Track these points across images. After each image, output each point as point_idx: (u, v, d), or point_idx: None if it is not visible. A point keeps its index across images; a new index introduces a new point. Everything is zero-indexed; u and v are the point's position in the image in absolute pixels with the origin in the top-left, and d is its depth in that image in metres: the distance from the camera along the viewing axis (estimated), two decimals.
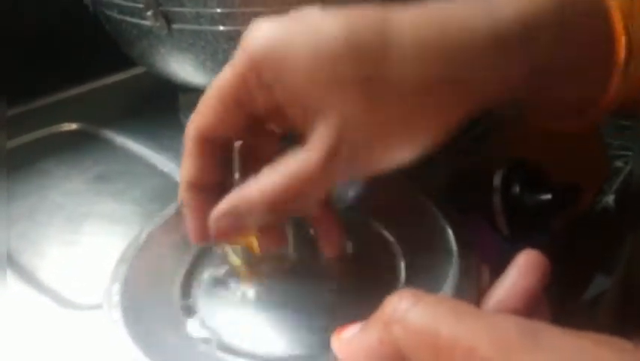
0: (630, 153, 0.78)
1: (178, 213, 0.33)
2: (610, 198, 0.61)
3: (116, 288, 0.28)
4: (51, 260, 0.36)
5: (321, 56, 0.25)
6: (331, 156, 0.25)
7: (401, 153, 0.27)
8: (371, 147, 0.26)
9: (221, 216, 0.27)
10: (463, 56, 0.26)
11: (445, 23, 0.26)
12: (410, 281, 0.29)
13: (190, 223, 0.29)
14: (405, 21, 0.26)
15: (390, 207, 0.33)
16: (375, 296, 0.23)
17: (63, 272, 0.35)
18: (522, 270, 0.25)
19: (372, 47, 0.25)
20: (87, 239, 0.37)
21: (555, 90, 0.30)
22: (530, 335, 0.19)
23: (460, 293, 0.27)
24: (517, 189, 0.40)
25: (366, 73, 0.25)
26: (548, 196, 0.39)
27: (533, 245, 0.26)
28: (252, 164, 0.28)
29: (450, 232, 0.30)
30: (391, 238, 0.32)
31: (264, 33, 0.26)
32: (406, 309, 0.21)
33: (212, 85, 0.28)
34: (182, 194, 0.29)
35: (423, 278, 0.29)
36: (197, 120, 0.28)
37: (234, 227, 0.28)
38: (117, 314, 0.26)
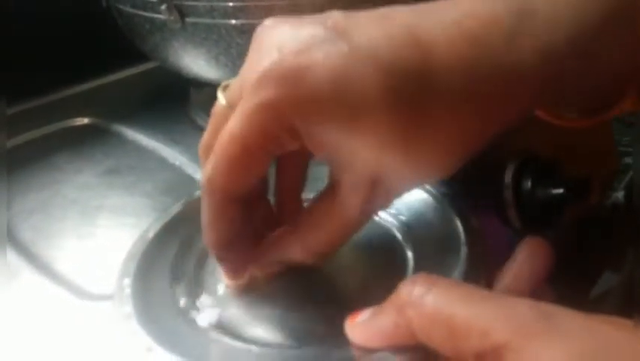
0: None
1: (184, 209, 0.33)
2: (620, 195, 0.61)
3: (127, 282, 0.28)
4: (66, 252, 0.36)
5: (357, 106, 0.23)
6: (368, 200, 0.25)
7: (435, 173, 0.26)
8: (405, 179, 0.26)
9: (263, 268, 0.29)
10: (503, 72, 0.24)
11: (482, 42, 0.24)
12: (418, 271, 0.29)
13: (227, 271, 0.29)
14: (441, 47, 0.23)
15: (401, 203, 0.33)
16: (384, 286, 0.23)
17: (78, 264, 0.35)
18: (526, 256, 0.25)
19: (413, 85, 0.23)
20: (100, 232, 0.38)
21: (574, 100, 0.30)
22: (545, 317, 0.20)
23: (468, 281, 0.27)
24: (528, 183, 0.40)
25: (407, 116, 0.23)
26: (560, 190, 0.39)
27: (544, 239, 0.26)
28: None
29: (457, 221, 0.30)
30: (399, 229, 0.32)
31: (281, 75, 0.23)
32: (420, 293, 0.21)
33: (228, 138, 0.24)
34: (216, 253, 0.28)
35: (431, 268, 0.29)
36: (223, 181, 0.25)
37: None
38: (129, 308, 0.27)
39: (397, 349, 0.23)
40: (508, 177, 0.40)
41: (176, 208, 0.33)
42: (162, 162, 0.44)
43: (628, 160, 0.78)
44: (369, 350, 0.23)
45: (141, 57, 0.51)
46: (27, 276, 0.34)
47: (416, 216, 0.32)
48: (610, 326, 0.20)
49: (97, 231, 0.38)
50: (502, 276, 0.25)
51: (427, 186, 0.33)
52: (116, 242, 0.35)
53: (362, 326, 0.23)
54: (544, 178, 0.40)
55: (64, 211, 0.39)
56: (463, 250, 0.28)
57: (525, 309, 0.20)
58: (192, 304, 0.28)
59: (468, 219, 0.30)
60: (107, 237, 0.37)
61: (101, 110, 0.52)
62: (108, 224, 0.38)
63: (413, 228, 0.32)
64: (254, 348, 0.25)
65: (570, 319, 0.20)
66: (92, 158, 0.46)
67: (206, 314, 0.27)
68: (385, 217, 0.33)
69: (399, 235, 0.32)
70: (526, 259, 0.25)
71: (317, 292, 0.28)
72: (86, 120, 0.51)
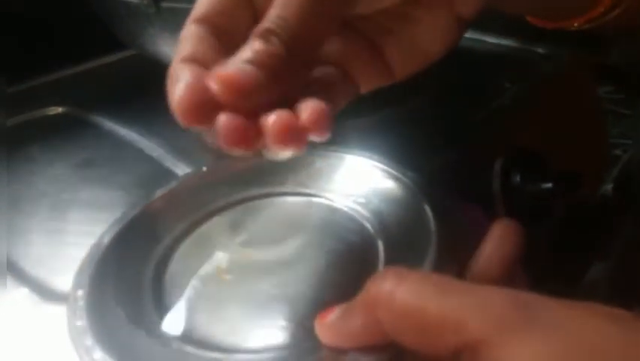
0: (630, 142, 0.78)
1: (141, 213, 0.32)
2: (609, 187, 0.61)
3: (80, 294, 0.27)
4: (34, 248, 0.34)
5: None
6: None
7: None
8: None
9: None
10: None
11: None
12: (389, 262, 0.28)
13: (181, 92, 0.22)
14: None
15: (368, 190, 0.32)
16: (355, 279, 0.22)
17: (46, 261, 0.33)
18: (498, 239, 0.24)
19: None
20: (71, 227, 0.36)
21: None
22: (523, 308, 0.19)
23: (439, 269, 0.26)
24: (517, 177, 0.39)
25: None
26: (549, 185, 0.39)
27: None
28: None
29: (427, 208, 0.29)
30: (368, 219, 0.31)
31: None
32: (389, 290, 0.20)
33: None
34: (173, 67, 0.23)
35: (402, 258, 0.28)
36: (203, 8, 0.24)
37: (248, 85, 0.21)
38: (83, 322, 0.25)
39: (370, 348, 0.22)
40: (496, 169, 0.39)
41: (132, 212, 0.32)
42: (139, 153, 0.43)
43: (617, 152, 0.78)
44: (340, 351, 0.22)
45: (119, 44, 0.50)
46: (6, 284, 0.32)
47: (386, 205, 0.31)
48: (593, 316, 0.18)
49: (68, 226, 0.36)
50: (474, 262, 0.24)
51: (397, 174, 0.32)
52: (88, 238, 0.34)
53: (332, 327, 0.22)
54: (532, 172, 0.39)
55: (34, 205, 0.38)
56: (434, 238, 0.27)
57: (501, 300, 0.19)
58: (152, 315, 0.26)
59: (438, 207, 0.29)
60: (78, 232, 0.36)
61: (76, 100, 0.50)
62: (80, 218, 0.37)
63: (383, 217, 0.31)
64: (219, 356, 0.24)
65: (549, 309, 0.19)
66: (66, 149, 0.44)
67: (169, 324, 0.26)
68: (354, 207, 0.32)
69: (368, 225, 0.31)
70: (497, 242, 0.24)
71: (284, 290, 0.27)
72: (60, 110, 0.50)
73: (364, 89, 0.28)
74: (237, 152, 0.22)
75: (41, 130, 0.47)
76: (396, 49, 0.28)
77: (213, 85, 0.21)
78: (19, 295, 0.31)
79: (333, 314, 0.22)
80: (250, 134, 0.21)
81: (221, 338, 0.25)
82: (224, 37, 0.24)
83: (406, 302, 0.20)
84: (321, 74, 0.27)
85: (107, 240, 0.30)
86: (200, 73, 0.22)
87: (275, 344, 0.25)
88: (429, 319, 0.19)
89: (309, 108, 0.22)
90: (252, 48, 0.21)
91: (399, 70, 0.29)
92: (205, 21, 0.24)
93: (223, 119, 0.21)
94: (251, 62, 0.21)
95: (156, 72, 0.48)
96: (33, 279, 0.32)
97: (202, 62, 0.23)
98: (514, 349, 0.18)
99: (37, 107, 0.50)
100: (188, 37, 0.24)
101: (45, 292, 0.31)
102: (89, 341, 0.24)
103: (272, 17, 0.22)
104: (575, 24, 0.32)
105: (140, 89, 0.52)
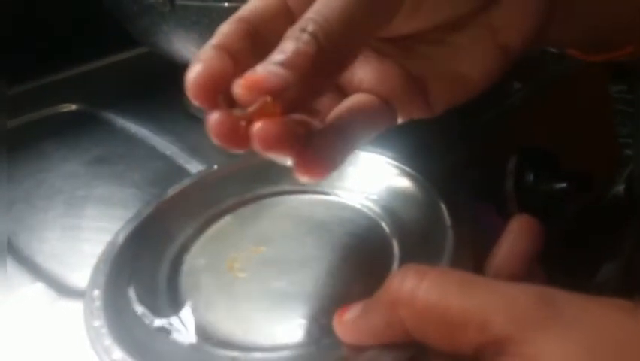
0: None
1: (155, 211, 0.32)
2: (620, 187, 0.60)
3: (97, 293, 0.26)
4: (49, 245, 0.35)
5: None
6: None
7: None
8: None
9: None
10: None
11: None
12: (405, 258, 0.28)
13: (199, 67, 0.21)
14: None
15: (382, 188, 0.32)
16: (370, 277, 0.22)
17: (61, 257, 0.34)
18: (516, 235, 0.24)
19: None
20: (86, 223, 0.36)
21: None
22: (546, 304, 0.19)
23: (456, 265, 0.26)
24: (530, 176, 0.39)
25: None
26: (563, 185, 0.38)
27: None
28: None
29: (443, 205, 0.29)
30: (381, 217, 0.31)
31: None
32: (411, 288, 0.20)
33: None
34: (202, 49, 0.23)
35: (418, 254, 0.28)
36: (246, 11, 0.24)
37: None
38: (100, 321, 0.25)
39: (390, 346, 0.21)
40: (510, 168, 0.39)
41: (146, 210, 0.32)
42: (152, 151, 0.43)
43: (628, 152, 0.77)
44: (360, 348, 0.22)
45: (132, 42, 0.50)
46: (6, 270, 0.32)
47: (399, 202, 0.31)
48: (613, 310, 0.19)
49: (82, 222, 0.36)
50: (492, 257, 0.24)
51: (411, 171, 0.32)
52: (102, 234, 0.34)
53: (352, 325, 0.22)
54: (546, 172, 0.39)
55: (48, 201, 0.38)
56: (450, 234, 0.27)
57: (525, 296, 0.19)
58: (168, 313, 0.26)
59: (453, 203, 0.29)
60: (92, 228, 0.36)
61: (90, 97, 0.50)
62: (94, 215, 0.37)
63: (397, 214, 0.31)
64: (237, 354, 0.24)
65: (571, 304, 0.19)
66: (79, 146, 0.44)
67: (184, 322, 0.26)
68: (368, 204, 0.32)
69: (382, 222, 0.31)
70: (515, 238, 0.24)
71: (299, 287, 0.27)
72: (73, 107, 0.50)
73: (401, 119, 0.28)
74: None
75: (55, 127, 0.47)
76: (435, 78, 0.27)
77: (238, 89, 0.20)
78: (34, 290, 0.31)
79: (351, 312, 0.22)
80: (237, 135, 0.21)
81: (237, 335, 0.25)
82: (260, 40, 0.23)
83: (429, 300, 0.20)
84: (362, 100, 0.26)
85: (121, 238, 0.30)
86: (222, 58, 0.22)
87: (292, 341, 0.25)
88: (452, 316, 0.19)
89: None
90: (282, 50, 0.21)
91: (438, 101, 0.27)
92: (246, 21, 0.23)
93: (213, 117, 0.21)
94: (281, 63, 0.20)
95: (169, 70, 0.48)
96: (48, 274, 0.32)
97: (231, 54, 0.22)
98: (539, 345, 0.18)
99: (50, 104, 0.50)
100: (225, 31, 0.23)
101: (61, 288, 0.31)
102: (107, 340, 0.24)
103: (311, 14, 0.21)
104: (622, 54, 0.31)
105: (153, 87, 0.52)
